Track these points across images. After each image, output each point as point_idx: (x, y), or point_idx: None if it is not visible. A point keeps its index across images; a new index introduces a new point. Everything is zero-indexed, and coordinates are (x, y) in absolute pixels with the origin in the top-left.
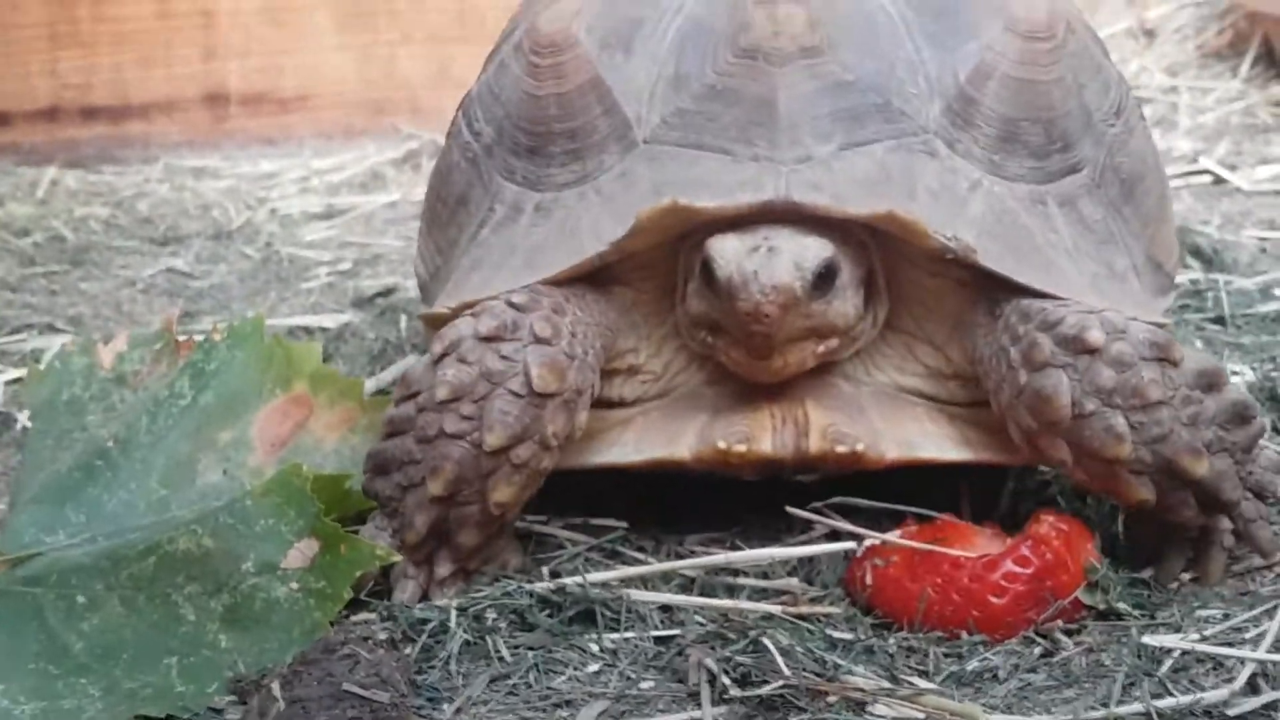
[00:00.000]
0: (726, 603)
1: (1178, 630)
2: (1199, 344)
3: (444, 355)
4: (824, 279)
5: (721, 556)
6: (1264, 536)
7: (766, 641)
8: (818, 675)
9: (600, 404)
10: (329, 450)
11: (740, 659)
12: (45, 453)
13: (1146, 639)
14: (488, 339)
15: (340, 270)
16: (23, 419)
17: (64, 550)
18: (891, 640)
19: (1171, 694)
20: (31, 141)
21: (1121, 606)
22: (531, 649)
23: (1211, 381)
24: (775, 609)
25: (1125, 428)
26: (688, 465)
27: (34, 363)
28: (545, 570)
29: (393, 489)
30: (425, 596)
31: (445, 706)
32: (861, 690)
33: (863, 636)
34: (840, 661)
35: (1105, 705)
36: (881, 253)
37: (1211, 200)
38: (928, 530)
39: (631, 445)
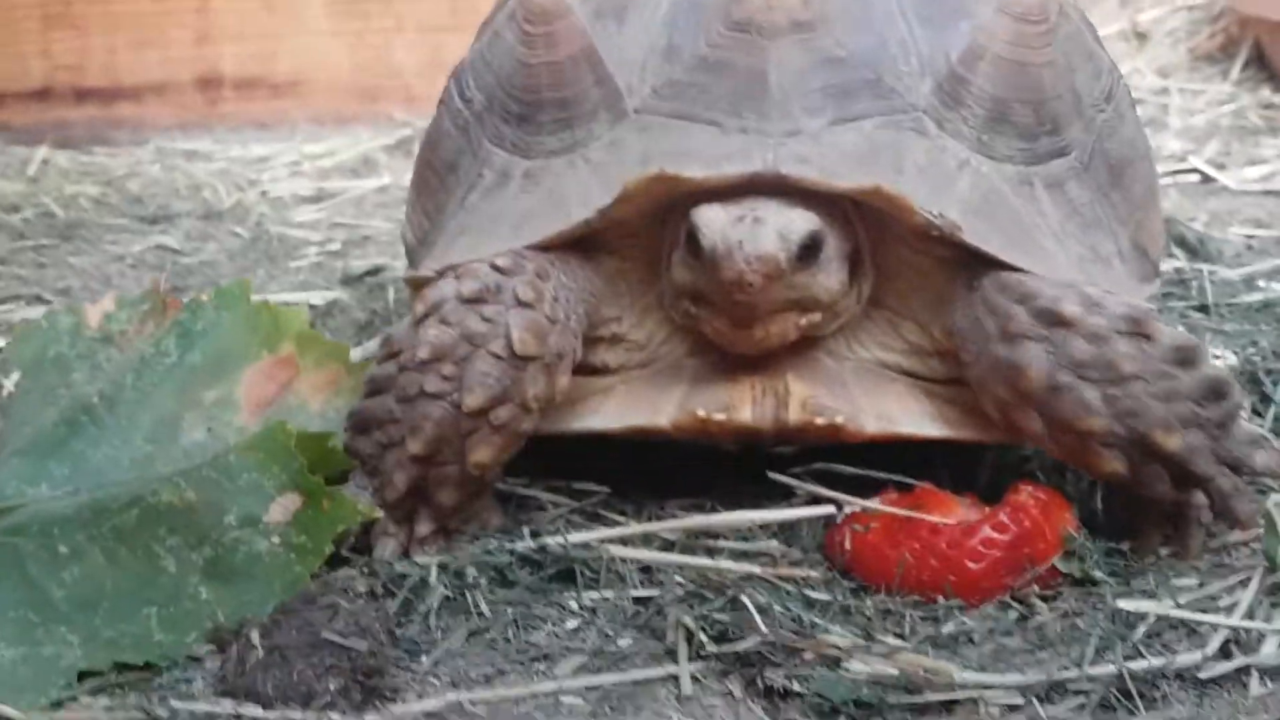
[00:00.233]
0: (706, 561)
1: (1153, 597)
2: (1181, 330)
3: (426, 316)
4: (809, 251)
5: (702, 519)
6: (1241, 509)
7: (745, 599)
8: (795, 634)
9: (583, 370)
10: (314, 411)
11: (718, 616)
12: (30, 408)
13: (1121, 604)
14: (470, 301)
15: (329, 250)
16: (9, 384)
17: (47, 502)
18: (869, 602)
19: (1144, 656)
20: (23, 122)
21: (1097, 574)
22: (511, 605)
23: (1187, 357)
24: (755, 569)
25: (1099, 400)
26: (668, 434)
27: None
28: (526, 530)
29: (373, 447)
30: (406, 554)
31: (423, 658)
32: (837, 647)
33: (840, 598)
34: (818, 620)
35: (1079, 666)
36: (868, 229)
37: (1199, 198)
38: (908, 498)
39: (613, 413)
